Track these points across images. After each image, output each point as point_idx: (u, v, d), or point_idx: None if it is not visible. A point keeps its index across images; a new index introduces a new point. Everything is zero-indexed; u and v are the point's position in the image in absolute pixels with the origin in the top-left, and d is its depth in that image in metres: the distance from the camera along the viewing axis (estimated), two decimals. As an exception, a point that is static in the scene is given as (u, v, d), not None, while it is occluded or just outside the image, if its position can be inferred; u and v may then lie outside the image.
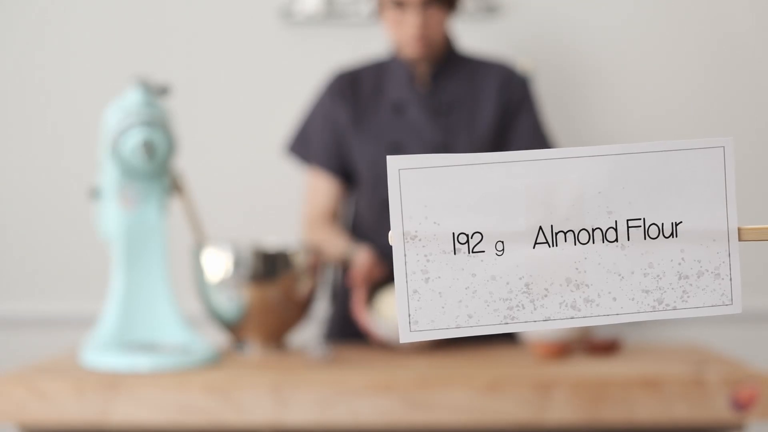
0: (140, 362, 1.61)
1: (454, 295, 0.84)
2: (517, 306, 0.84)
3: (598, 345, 1.77)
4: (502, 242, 0.83)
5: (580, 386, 1.51)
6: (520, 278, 0.84)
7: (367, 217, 2.10)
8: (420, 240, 0.83)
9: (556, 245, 0.84)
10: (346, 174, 2.13)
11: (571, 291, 0.84)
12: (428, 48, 2.04)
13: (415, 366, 1.65)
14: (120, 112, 1.70)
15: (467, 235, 0.83)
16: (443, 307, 0.84)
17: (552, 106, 2.52)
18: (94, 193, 1.81)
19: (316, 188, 2.14)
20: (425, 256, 0.83)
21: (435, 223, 0.83)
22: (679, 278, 0.85)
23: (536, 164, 0.84)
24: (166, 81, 1.85)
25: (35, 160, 2.71)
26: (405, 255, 0.83)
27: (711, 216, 0.85)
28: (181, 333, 1.73)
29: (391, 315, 1.77)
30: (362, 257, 1.89)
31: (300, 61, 2.68)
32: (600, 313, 0.84)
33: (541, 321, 0.84)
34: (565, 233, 0.84)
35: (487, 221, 0.84)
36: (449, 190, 0.83)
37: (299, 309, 1.81)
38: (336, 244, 2.01)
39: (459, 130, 2.08)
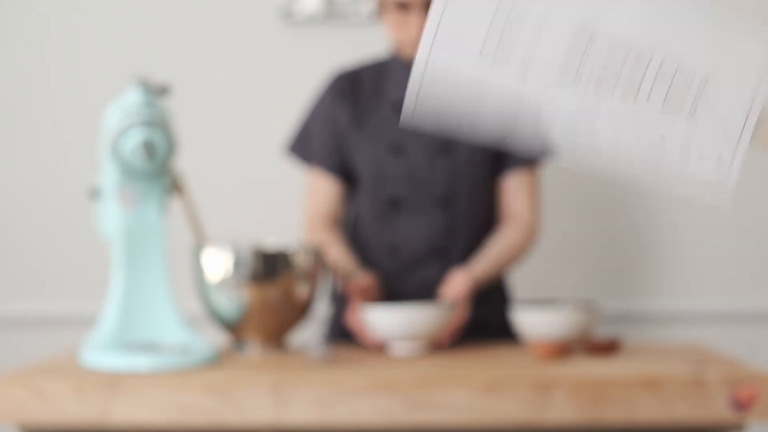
0: (140, 362, 1.61)
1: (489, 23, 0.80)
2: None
3: (598, 345, 1.77)
4: None
5: (580, 386, 1.51)
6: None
7: (368, 218, 2.10)
8: None
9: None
10: (346, 174, 2.13)
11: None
12: None
13: (415, 366, 1.65)
14: (120, 112, 1.70)
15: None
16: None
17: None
18: (94, 193, 1.81)
19: (316, 188, 2.14)
20: None
21: None
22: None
23: None
24: (166, 81, 1.85)
25: (35, 160, 2.71)
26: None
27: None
28: (181, 333, 1.73)
29: (384, 321, 1.78)
30: (365, 275, 1.94)
31: (300, 61, 2.68)
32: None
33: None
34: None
35: None
36: None
37: (299, 309, 1.81)
38: (338, 258, 2.02)
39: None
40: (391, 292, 2.06)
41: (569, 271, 2.66)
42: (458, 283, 1.94)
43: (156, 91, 1.74)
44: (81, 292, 2.68)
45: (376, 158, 2.07)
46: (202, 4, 2.70)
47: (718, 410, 1.51)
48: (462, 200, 2.07)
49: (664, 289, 2.70)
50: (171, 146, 1.71)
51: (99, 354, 1.65)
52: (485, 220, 2.11)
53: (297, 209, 2.68)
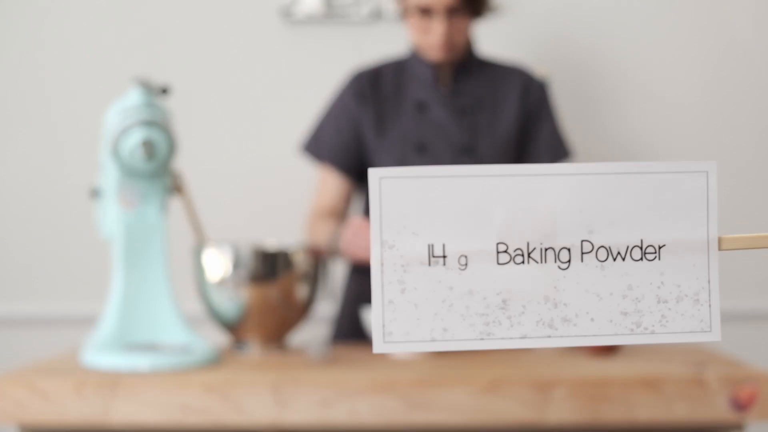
0: (140, 362, 1.61)
1: (431, 307, 0.82)
2: (494, 322, 0.82)
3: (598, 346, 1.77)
4: (481, 257, 0.82)
5: (580, 386, 1.51)
6: (498, 294, 0.82)
7: None
8: (398, 250, 0.81)
9: (536, 262, 0.82)
10: (359, 173, 2.13)
11: (549, 309, 0.83)
12: (452, 53, 2.05)
13: (415, 366, 1.65)
14: (120, 113, 1.70)
15: (445, 248, 0.82)
16: (418, 319, 0.82)
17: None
18: (95, 193, 1.81)
19: (325, 185, 2.15)
20: (402, 266, 0.81)
21: (413, 233, 0.81)
22: (658, 302, 0.84)
23: (518, 179, 0.82)
24: (167, 81, 1.85)
25: (36, 160, 2.71)
26: (382, 264, 0.81)
27: (692, 239, 0.83)
28: (181, 333, 1.73)
29: None
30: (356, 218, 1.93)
31: (300, 61, 2.68)
32: (577, 334, 0.83)
33: (517, 338, 0.82)
34: (545, 250, 0.82)
35: (466, 235, 0.82)
36: (429, 202, 0.82)
37: (299, 309, 1.82)
38: (325, 230, 2.02)
39: (482, 132, 2.08)
40: None
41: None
42: None
43: (156, 92, 1.74)
44: (81, 292, 2.68)
45: (400, 159, 2.07)
46: (202, 4, 2.70)
47: (718, 410, 1.51)
48: None
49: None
50: (171, 146, 1.71)
51: (99, 354, 1.65)
52: None
53: (297, 209, 2.68)
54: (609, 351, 1.77)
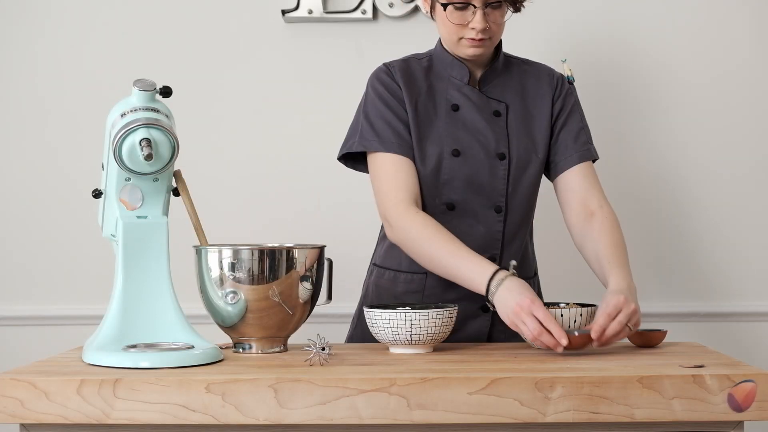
0: (141, 362, 1.61)
1: None
2: None
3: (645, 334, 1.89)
4: None
5: (580, 385, 1.51)
6: None
7: None
8: None
9: None
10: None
11: None
12: (487, 49, 2.02)
13: (415, 366, 1.65)
14: (122, 113, 1.71)
15: None
16: None
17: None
18: (97, 194, 1.81)
19: (397, 171, 1.99)
20: None
21: None
22: None
23: None
24: (168, 81, 1.86)
25: (37, 161, 2.71)
26: None
27: None
28: (181, 333, 1.73)
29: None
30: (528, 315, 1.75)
31: (300, 61, 2.69)
32: None
33: None
34: None
35: None
36: None
37: (299, 309, 1.82)
38: (475, 264, 1.86)
39: (515, 136, 2.04)
40: (439, 295, 2.05)
41: (570, 273, 2.66)
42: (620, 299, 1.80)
43: (157, 92, 1.74)
44: (82, 292, 2.68)
45: (437, 162, 2.01)
46: (202, 5, 2.70)
47: (717, 409, 1.51)
48: (517, 205, 2.05)
49: (664, 290, 2.70)
50: (172, 147, 1.72)
51: (100, 353, 1.65)
52: (529, 225, 2.11)
53: (297, 209, 2.68)
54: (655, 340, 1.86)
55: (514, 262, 1.87)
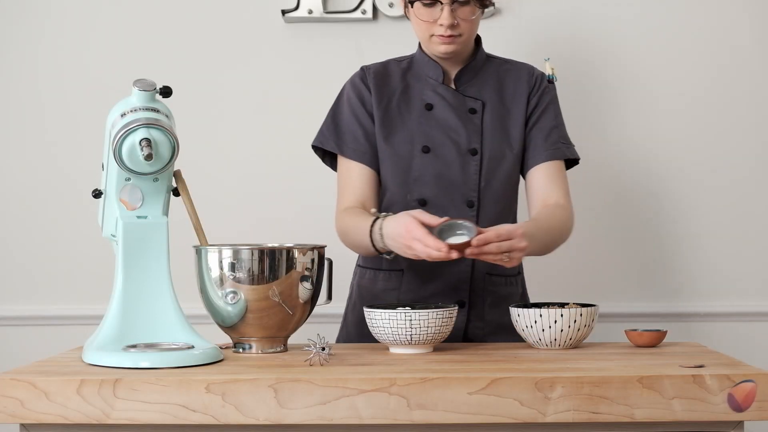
0: (141, 362, 1.61)
1: None
2: None
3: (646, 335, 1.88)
4: None
5: (579, 385, 1.51)
6: None
7: None
8: None
9: None
10: (377, 169, 2.09)
11: None
12: (459, 46, 2.04)
13: (415, 366, 1.65)
14: (122, 113, 1.71)
15: None
16: None
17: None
18: (97, 194, 1.81)
19: (351, 177, 2.07)
20: None
21: None
22: None
23: None
24: (168, 81, 1.86)
25: (38, 161, 2.71)
26: None
27: None
28: (181, 333, 1.73)
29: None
30: (411, 229, 1.81)
31: (300, 61, 2.69)
32: None
33: None
34: None
35: None
36: None
37: (299, 309, 1.82)
38: (363, 225, 1.94)
39: (489, 133, 2.06)
40: (415, 291, 2.06)
41: (570, 273, 2.66)
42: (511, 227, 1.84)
43: (157, 92, 1.74)
44: (82, 292, 2.68)
45: (407, 160, 2.05)
46: (202, 5, 2.70)
47: (717, 409, 1.51)
48: (491, 200, 2.06)
49: (664, 290, 2.70)
50: (172, 147, 1.72)
51: (100, 353, 1.65)
52: (510, 220, 2.10)
53: (297, 208, 2.68)
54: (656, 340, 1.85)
55: (374, 210, 1.96)
